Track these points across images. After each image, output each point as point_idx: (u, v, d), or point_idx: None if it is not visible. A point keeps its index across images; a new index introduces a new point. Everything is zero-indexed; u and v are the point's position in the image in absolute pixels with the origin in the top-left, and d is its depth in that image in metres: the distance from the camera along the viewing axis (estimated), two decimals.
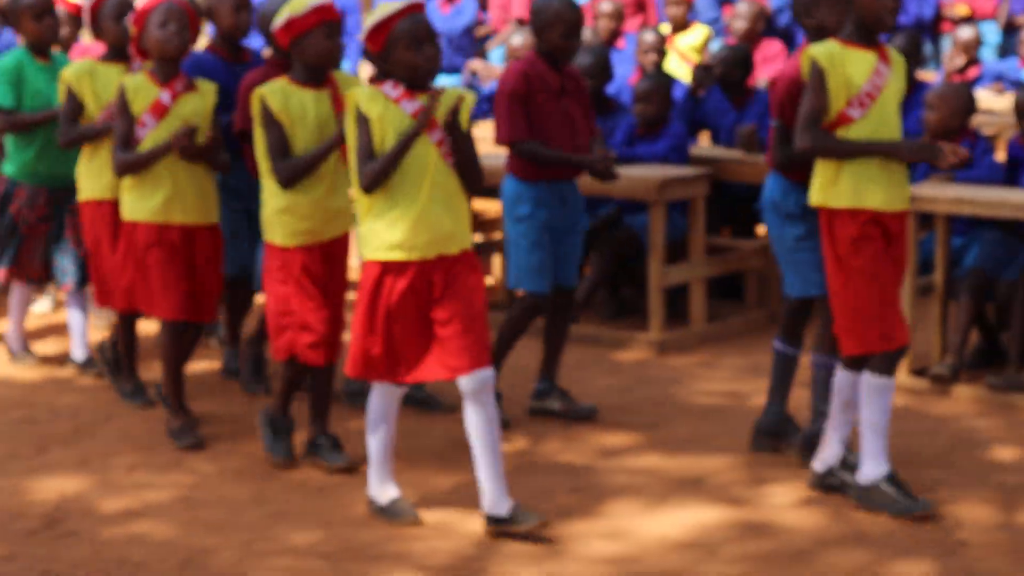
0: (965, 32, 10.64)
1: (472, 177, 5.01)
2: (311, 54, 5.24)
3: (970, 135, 7.07)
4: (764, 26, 10.82)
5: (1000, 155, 7.47)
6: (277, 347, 5.48)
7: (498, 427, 4.75)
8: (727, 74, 8.45)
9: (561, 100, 6.16)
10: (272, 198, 5.30)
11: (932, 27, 12.63)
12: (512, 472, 5.18)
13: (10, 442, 6.37)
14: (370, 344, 4.77)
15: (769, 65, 10.68)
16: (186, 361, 6.20)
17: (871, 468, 5.05)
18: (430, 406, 6.33)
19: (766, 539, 4.95)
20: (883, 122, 5.01)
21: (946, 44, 11.53)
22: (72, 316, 6.93)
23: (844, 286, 5.10)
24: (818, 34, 5.41)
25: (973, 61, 10.81)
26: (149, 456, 6.06)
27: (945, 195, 6.38)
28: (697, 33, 10.69)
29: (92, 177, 6.21)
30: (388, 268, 4.69)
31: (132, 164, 5.64)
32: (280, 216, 5.29)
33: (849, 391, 5.25)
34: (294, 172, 5.20)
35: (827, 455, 5.33)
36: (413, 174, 4.66)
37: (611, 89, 8.44)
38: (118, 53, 6.21)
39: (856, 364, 5.18)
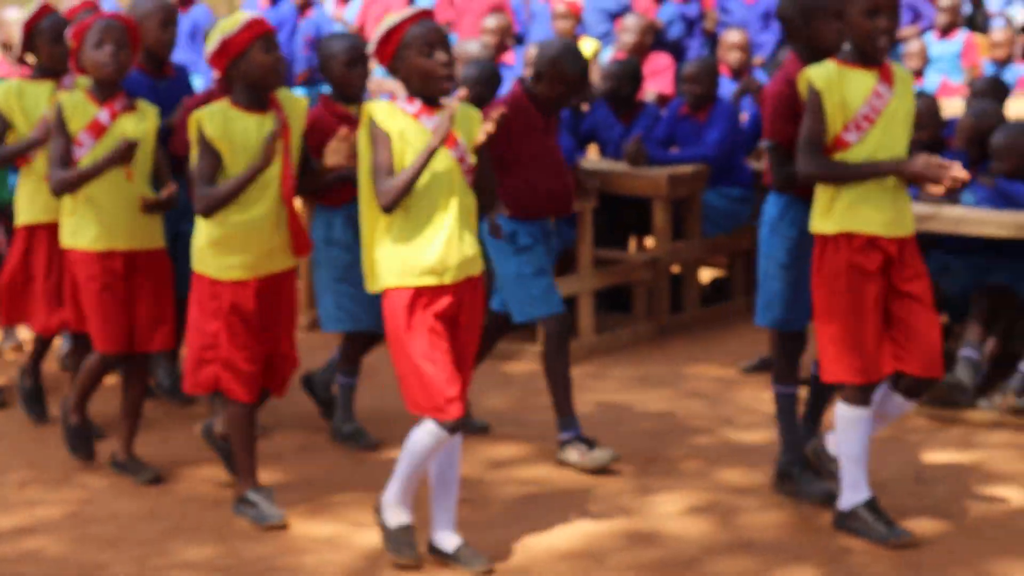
0: None
1: (491, 194, 4.99)
2: (253, 73, 5.07)
3: None
4: (653, 39, 10.92)
5: None
6: (197, 381, 5.33)
7: (459, 463, 4.75)
8: (617, 88, 8.57)
9: (546, 139, 6.17)
10: (205, 227, 5.10)
11: None
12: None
13: None
14: (419, 375, 4.57)
15: (657, 78, 10.74)
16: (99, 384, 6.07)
17: (850, 495, 5.09)
18: (358, 441, 6.27)
19: (654, 548, 5.03)
20: (883, 146, 4.89)
21: None
22: None
23: (828, 314, 5.07)
24: (811, 53, 5.31)
25: None
26: (40, 472, 6.06)
27: None
28: (586, 47, 10.69)
29: (27, 200, 6.18)
30: (420, 294, 4.53)
31: (70, 182, 5.50)
32: (212, 247, 5.13)
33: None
34: (214, 201, 5.00)
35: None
36: (438, 192, 4.54)
37: None
38: (47, 72, 6.16)
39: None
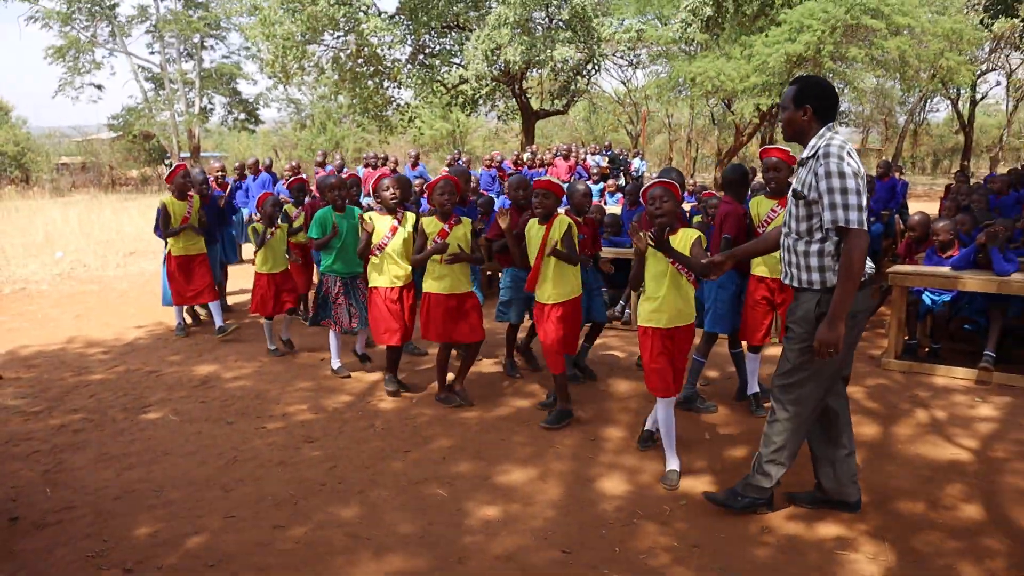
0: (634, 163, 13.14)
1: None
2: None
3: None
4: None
5: None
6: (556, 363, 5.31)
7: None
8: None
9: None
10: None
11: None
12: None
13: (186, 352, 7.47)
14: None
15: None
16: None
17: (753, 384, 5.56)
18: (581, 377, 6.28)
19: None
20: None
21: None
22: (332, 339, 6.68)
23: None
24: (738, 196, 5.50)
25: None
26: (244, 356, 7.29)
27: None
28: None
29: (373, 273, 5.93)
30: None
31: (422, 259, 5.58)
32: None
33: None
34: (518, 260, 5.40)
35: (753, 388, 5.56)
36: (657, 274, 4.43)
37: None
38: (389, 209, 5.89)
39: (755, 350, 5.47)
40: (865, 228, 3.55)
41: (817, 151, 3.63)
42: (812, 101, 3.67)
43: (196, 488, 4.55)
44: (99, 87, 36.37)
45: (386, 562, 3.74)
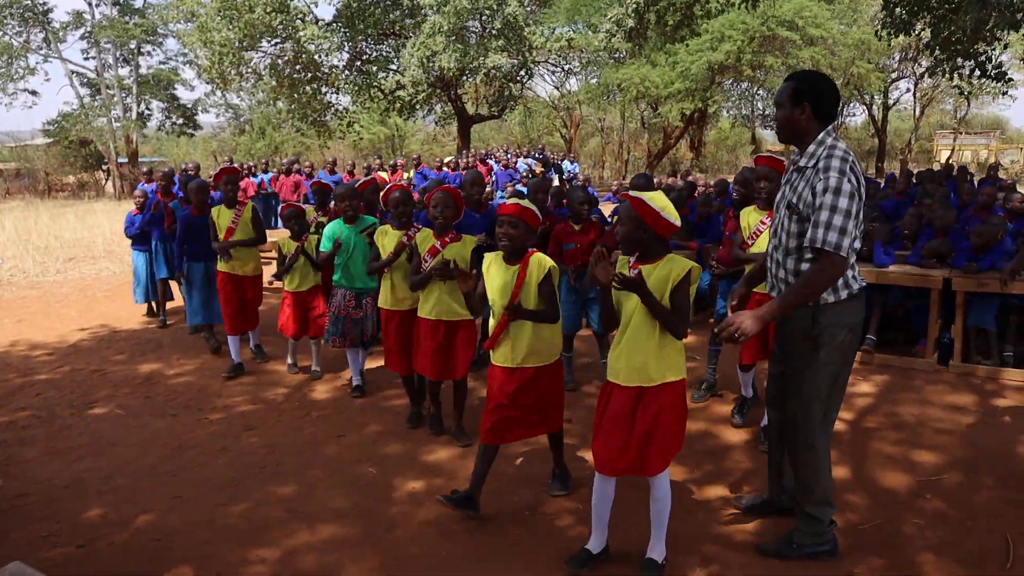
0: (564, 165, 12.95)
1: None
2: None
3: None
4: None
5: None
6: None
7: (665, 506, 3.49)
8: None
9: None
10: None
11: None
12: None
13: (130, 352, 7.51)
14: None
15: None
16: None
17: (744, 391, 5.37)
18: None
19: None
20: (762, 245, 4.73)
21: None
22: (351, 355, 6.16)
23: None
24: (743, 202, 5.33)
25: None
26: (187, 355, 7.38)
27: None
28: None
29: (385, 295, 5.42)
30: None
31: (420, 283, 4.90)
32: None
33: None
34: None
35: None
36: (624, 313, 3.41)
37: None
38: (401, 224, 5.29)
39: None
40: (844, 255, 3.16)
41: (817, 161, 3.25)
42: (810, 98, 3.27)
43: (143, 475, 4.80)
44: (34, 93, 35.63)
45: (320, 532, 4.08)
